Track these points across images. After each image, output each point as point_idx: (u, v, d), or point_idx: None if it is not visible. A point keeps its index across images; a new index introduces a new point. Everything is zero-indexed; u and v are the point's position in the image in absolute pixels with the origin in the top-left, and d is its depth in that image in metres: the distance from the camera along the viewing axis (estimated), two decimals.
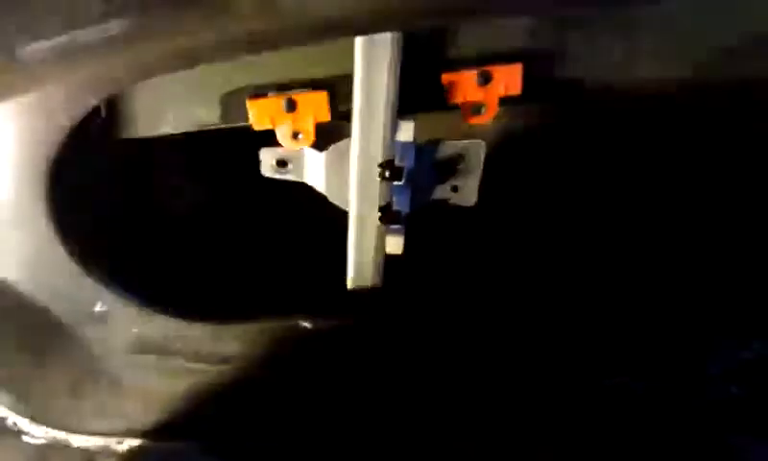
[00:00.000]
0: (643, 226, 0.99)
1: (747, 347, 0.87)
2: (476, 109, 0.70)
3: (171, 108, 0.71)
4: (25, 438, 0.93)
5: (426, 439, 0.89)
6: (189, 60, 0.57)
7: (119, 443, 0.94)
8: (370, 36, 0.61)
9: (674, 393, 0.88)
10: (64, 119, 0.64)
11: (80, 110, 0.63)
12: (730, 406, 0.89)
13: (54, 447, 0.96)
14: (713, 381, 0.88)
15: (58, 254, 0.77)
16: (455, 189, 0.79)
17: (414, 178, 0.76)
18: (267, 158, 0.76)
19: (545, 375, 0.89)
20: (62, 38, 0.51)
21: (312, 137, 0.72)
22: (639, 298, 0.90)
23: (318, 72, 0.69)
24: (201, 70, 0.67)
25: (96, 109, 0.67)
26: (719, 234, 0.93)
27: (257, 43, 0.56)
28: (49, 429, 0.94)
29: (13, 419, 0.93)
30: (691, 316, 0.88)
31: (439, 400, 0.89)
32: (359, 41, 0.62)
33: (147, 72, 0.59)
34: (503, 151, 0.78)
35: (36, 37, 0.51)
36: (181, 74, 0.67)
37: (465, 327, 0.88)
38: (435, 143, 0.76)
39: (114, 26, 0.51)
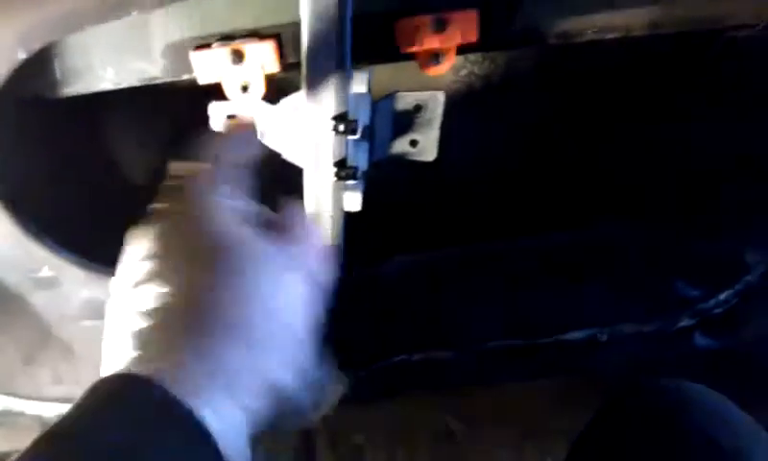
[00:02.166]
0: (608, 168, 0.98)
1: (715, 297, 0.87)
2: (433, 58, 0.68)
3: (110, 62, 0.67)
4: None
5: None
6: (123, 7, 0.54)
7: None
8: None
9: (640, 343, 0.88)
10: None
11: (8, 66, 0.60)
12: (695, 359, 0.89)
13: (8, 415, 0.94)
14: (679, 334, 0.88)
15: (0, 218, 0.74)
16: (414, 144, 0.76)
17: (370, 132, 0.73)
18: (217, 113, 0.72)
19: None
20: None
21: (262, 90, 0.69)
22: (603, 242, 0.89)
23: (265, 20, 0.66)
24: (141, 22, 0.63)
25: (29, 65, 0.63)
26: (682, 178, 0.93)
27: None
28: (3, 397, 0.92)
29: None
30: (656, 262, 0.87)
31: None
32: None
33: (77, 23, 0.55)
34: (466, 102, 0.75)
35: None
36: (121, 26, 0.64)
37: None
38: (391, 95, 0.73)
39: None
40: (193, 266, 0.52)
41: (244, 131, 0.65)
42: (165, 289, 0.51)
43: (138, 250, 0.56)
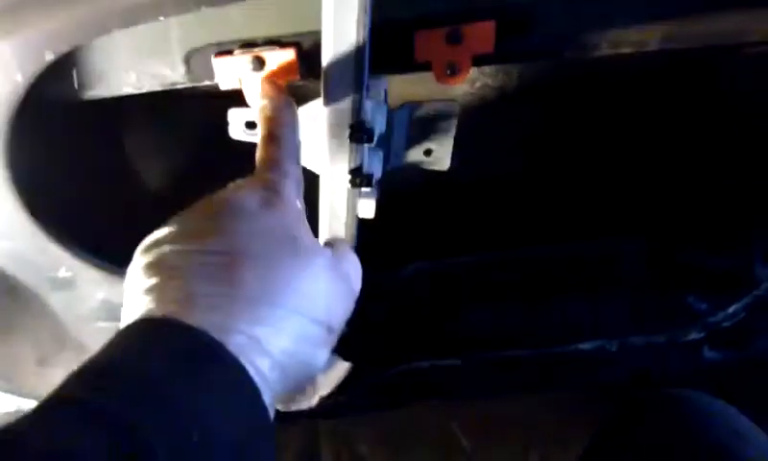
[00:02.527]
0: (620, 185, 0.99)
1: (723, 310, 0.87)
2: (449, 69, 0.69)
3: (133, 66, 0.68)
4: None
5: None
6: (148, 13, 0.55)
7: None
8: None
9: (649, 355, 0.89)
10: (20, 76, 0.61)
11: (35, 67, 0.61)
12: (704, 371, 0.89)
13: (20, 415, 0.94)
14: (688, 346, 0.88)
15: (19, 218, 0.75)
16: (428, 153, 0.77)
17: (385, 140, 0.75)
18: (236, 120, 0.73)
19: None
20: None
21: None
22: (615, 255, 0.89)
23: (286, 28, 0.67)
24: (164, 26, 0.64)
25: (55, 67, 0.64)
26: (694, 194, 0.93)
27: None
28: (15, 398, 0.93)
29: None
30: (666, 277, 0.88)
31: None
32: None
33: (104, 26, 0.57)
34: (480, 113, 0.76)
35: None
36: (144, 31, 0.65)
37: None
38: (407, 105, 0.74)
39: None
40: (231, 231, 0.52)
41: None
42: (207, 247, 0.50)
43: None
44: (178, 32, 0.66)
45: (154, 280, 0.49)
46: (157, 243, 0.52)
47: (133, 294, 0.51)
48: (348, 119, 0.69)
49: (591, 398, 1.04)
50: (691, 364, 0.88)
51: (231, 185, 0.57)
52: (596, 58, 0.71)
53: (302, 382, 0.53)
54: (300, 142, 0.64)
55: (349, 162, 0.73)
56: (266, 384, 0.46)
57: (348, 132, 0.69)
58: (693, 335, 0.87)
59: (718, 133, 0.90)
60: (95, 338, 0.87)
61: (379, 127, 0.72)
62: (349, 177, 0.74)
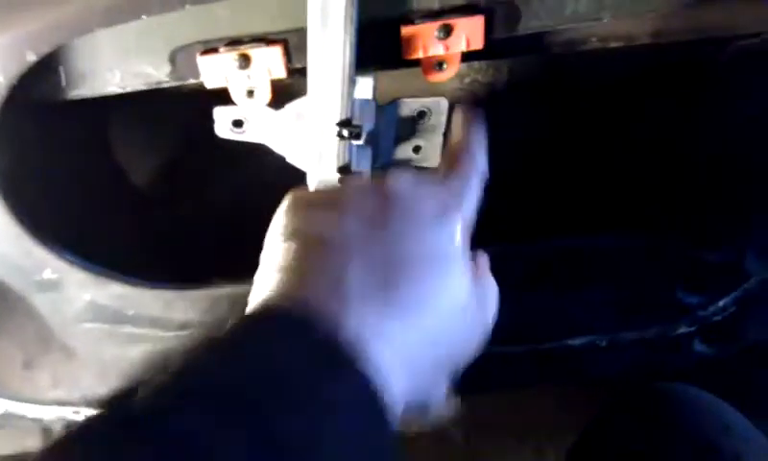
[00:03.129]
0: (611, 180, 0.99)
1: (714, 304, 0.87)
2: (437, 64, 0.68)
3: (117, 65, 0.67)
4: None
5: None
6: (131, 11, 0.54)
7: (75, 413, 0.92)
8: None
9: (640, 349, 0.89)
10: (1, 77, 0.60)
11: (17, 67, 0.60)
12: (695, 365, 0.89)
13: (8, 418, 0.94)
14: (679, 340, 0.88)
15: (3, 220, 0.74)
16: (417, 150, 0.77)
17: (374, 137, 0.74)
18: (222, 118, 0.73)
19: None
20: None
21: (269, 95, 0.69)
22: (605, 250, 0.89)
23: (272, 25, 0.66)
24: (148, 25, 0.63)
25: (37, 68, 0.63)
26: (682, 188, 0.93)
27: None
28: (3, 401, 0.92)
29: None
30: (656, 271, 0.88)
31: None
32: None
33: (86, 26, 0.56)
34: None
35: None
36: (128, 30, 0.64)
37: None
38: (395, 101, 0.73)
39: None
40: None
41: None
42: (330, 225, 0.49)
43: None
44: (162, 30, 0.65)
45: (307, 257, 0.47)
46: (317, 208, 0.50)
47: (277, 258, 0.49)
48: (335, 117, 0.68)
49: (583, 392, 1.04)
50: (682, 358, 0.88)
51: (407, 180, 0.54)
52: (587, 52, 0.71)
53: (417, 411, 0.50)
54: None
55: (337, 160, 0.72)
56: (393, 404, 0.44)
57: (335, 129, 0.69)
58: (683, 329, 0.87)
59: (709, 127, 0.90)
60: (81, 340, 0.86)
61: (367, 124, 0.71)
62: (338, 175, 0.73)
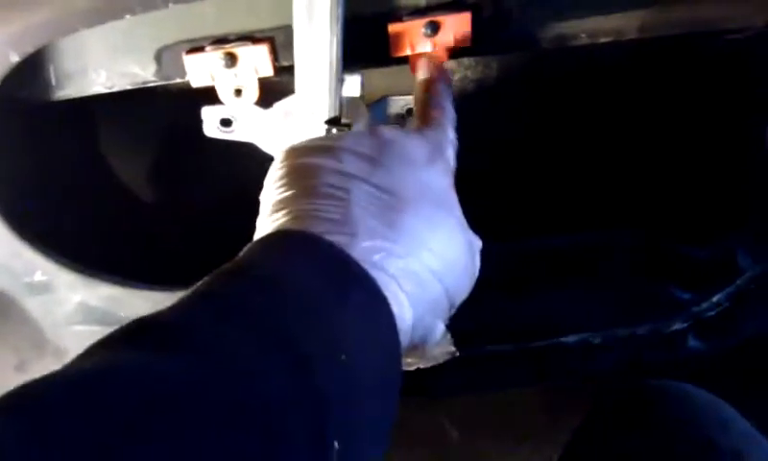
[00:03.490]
0: (602, 177, 0.98)
1: (707, 300, 0.87)
2: None
3: (103, 65, 0.67)
4: None
5: None
6: (114, 11, 0.54)
7: None
8: None
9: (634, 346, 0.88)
10: None
11: (0, 68, 0.59)
12: (690, 361, 0.89)
13: None
14: (673, 336, 0.88)
15: None
16: None
17: None
18: (210, 117, 0.72)
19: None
20: None
21: (256, 94, 0.69)
22: (597, 247, 0.89)
23: (258, 23, 0.66)
24: (133, 24, 0.63)
25: (22, 68, 0.63)
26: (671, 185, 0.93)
27: None
28: None
29: None
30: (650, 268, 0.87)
31: None
32: None
33: (69, 26, 0.55)
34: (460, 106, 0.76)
35: None
36: (113, 29, 0.64)
37: None
38: (384, 99, 0.73)
39: None
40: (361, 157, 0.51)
41: None
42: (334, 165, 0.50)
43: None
44: (148, 29, 0.65)
45: (309, 193, 0.48)
46: (314, 152, 0.51)
47: (277, 197, 0.49)
48: (323, 115, 0.68)
49: (578, 389, 1.04)
50: (676, 354, 0.88)
51: (396, 130, 0.55)
52: (577, 48, 0.70)
53: (418, 347, 0.53)
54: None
55: None
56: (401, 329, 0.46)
57: (324, 127, 0.69)
58: (677, 325, 0.86)
59: (701, 123, 0.90)
60: (73, 342, 0.86)
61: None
62: None
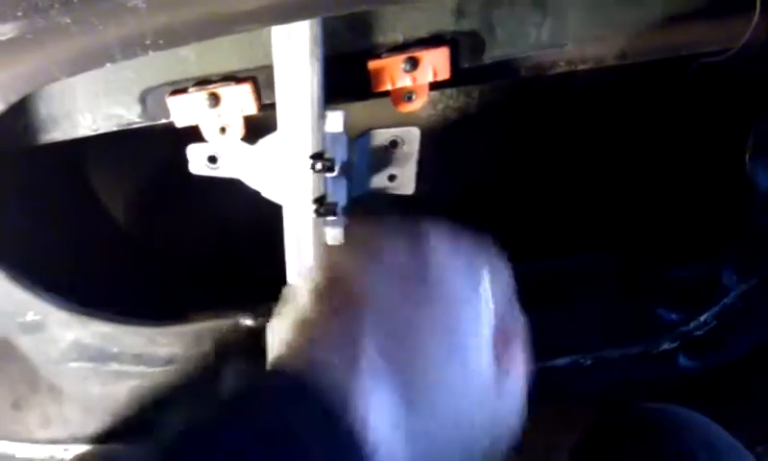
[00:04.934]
0: (582, 199, 0.99)
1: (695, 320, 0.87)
2: (407, 96, 0.69)
3: (88, 108, 0.68)
4: None
5: None
6: (94, 60, 0.55)
7: (65, 451, 0.92)
8: (286, 25, 0.58)
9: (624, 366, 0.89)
10: None
11: None
12: (680, 380, 0.89)
13: None
14: (663, 356, 0.88)
15: None
16: (392, 178, 0.77)
17: (348, 168, 0.74)
18: (196, 155, 0.73)
19: None
20: None
21: (241, 131, 0.70)
22: (584, 270, 0.89)
23: (240, 63, 0.67)
24: (117, 67, 0.64)
25: (7, 115, 0.63)
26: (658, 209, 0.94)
27: (166, 40, 0.53)
28: None
29: None
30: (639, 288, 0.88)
31: None
32: (276, 31, 0.59)
33: (52, 75, 0.56)
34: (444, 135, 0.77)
35: None
36: (97, 73, 0.65)
37: None
38: (367, 133, 0.74)
39: (6, 30, 0.49)
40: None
41: None
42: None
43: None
44: (131, 73, 0.66)
45: (324, 306, 0.47)
46: (344, 249, 0.49)
47: (299, 300, 0.49)
48: (307, 150, 0.68)
49: (569, 412, 1.04)
50: (666, 373, 0.88)
51: (448, 237, 0.52)
52: (556, 75, 0.71)
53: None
54: None
55: (312, 192, 0.72)
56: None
57: (308, 162, 0.69)
58: (666, 345, 0.87)
59: (681, 144, 0.91)
60: (68, 379, 0.86)
61: (340, 156, 0.72)
62: (314, 207, 0.74)
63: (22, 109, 0.66)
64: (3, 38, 0.50)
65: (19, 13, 0.48)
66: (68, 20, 0.49)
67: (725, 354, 0.88)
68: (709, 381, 0.89)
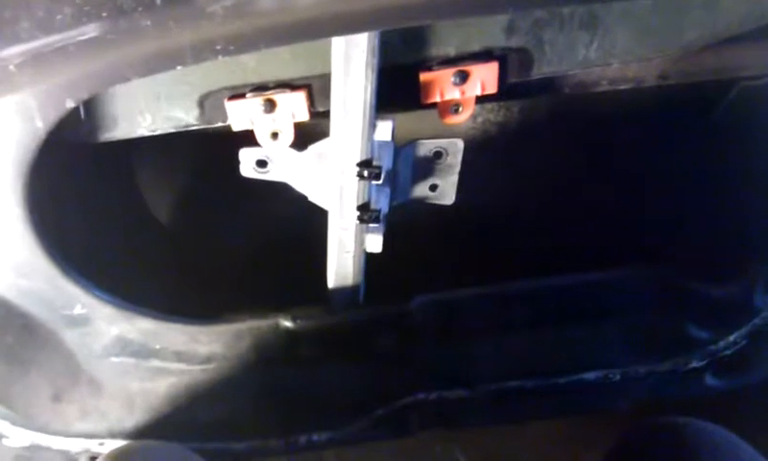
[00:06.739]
0: (617, 215, 1.00)
1: (724, 339, 0.88)
2: (453, 108, 0.71)
3: (149, 109, 0.71)
4: (5, 442, 0.92)
5: None
6: (166, 63, 0.57)
7: (101, 445, 0.94)
8: (346, 36, 0.61)
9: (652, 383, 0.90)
10: (40, 123, 0.63)
11: (56, 114, 0.63)
12: (707, 399, 0.90)
13: (35, 450, 0.95)
14: (691, 374, 0.89)
15: (36, 257, 0.76)
16: (433, 188, 0.80)
17: (392, 177, 0.77)
18: (247, 159, 0.76)
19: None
20: (37, 42, 0.51)
21: (292, 137, 0.72)
22: (617, 286, 0.91)
23: (296, 71, 0.69)
24: (179, 71, 0.67)
25: (73, 112, 0.66)
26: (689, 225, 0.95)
27: (236, 46, 0.56)
28: (30, 432, 0.94)
29: None
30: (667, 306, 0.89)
31: None
32: (336, 42, 0.62)
33: (123, 75, 0.59)
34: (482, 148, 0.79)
35: (10, 42, 0.51)
36: (159, 75, 0.67)
37: None
38: (413, 142, 0.76)
39: (88, 30, 0.51)
40: None
41: None
42: None
43: None
44: (193, 76, 0.69)
45: None
46: None
47: None
48: (355, 158, 0.71)
49: (596, 426, 1.05)
50: (694, 391, 0.90)
51: None
52: (597, 93, 0.73)
53: None
54: None
55: (357, 199, 0.75)
56: None
57: (356, 170, 0.72)
58: (695, 363, 0.88)
59: (718, 164, 0.92)
60: (109, 373, 0.88)
61: (386, 164, 0.74)
62: (357, 213, 0.76)
63: (88, 106, 0.68)
64: (83, 38, 0.52)
65: (104, 14, 0.50)
66: (148, 23, 0.51)
67: (752, 376, 0.89)
68: (735, 402, 0.90)
